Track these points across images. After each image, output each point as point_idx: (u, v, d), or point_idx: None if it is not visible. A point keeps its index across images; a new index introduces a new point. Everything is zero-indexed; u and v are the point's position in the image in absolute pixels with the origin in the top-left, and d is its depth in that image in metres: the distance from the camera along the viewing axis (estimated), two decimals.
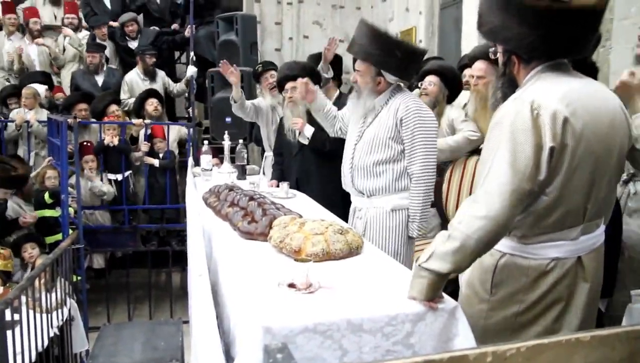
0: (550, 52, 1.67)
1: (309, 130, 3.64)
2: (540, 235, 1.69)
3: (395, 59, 2.64)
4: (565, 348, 1.00)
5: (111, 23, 6.76)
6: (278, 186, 3.49)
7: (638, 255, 2.66)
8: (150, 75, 6.30)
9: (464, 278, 1.93)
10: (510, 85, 1.77)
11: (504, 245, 1.72)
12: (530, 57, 1.70)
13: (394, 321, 1.52)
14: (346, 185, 2.93)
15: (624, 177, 2.66)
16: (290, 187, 3.42)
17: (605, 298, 2.55)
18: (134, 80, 6.30)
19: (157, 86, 6.32)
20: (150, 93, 5.97)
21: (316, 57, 4.31)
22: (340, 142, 3.08)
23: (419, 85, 3.64)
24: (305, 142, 3.68)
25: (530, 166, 1.53)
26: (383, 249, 2.76)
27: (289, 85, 3.72)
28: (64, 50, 6.65)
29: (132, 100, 6.16)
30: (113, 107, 5.82)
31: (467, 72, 3.56)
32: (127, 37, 6.73)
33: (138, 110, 5.97)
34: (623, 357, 1.03)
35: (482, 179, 1.60)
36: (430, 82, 3.59)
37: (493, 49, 1.83)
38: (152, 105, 5.90)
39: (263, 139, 4.59)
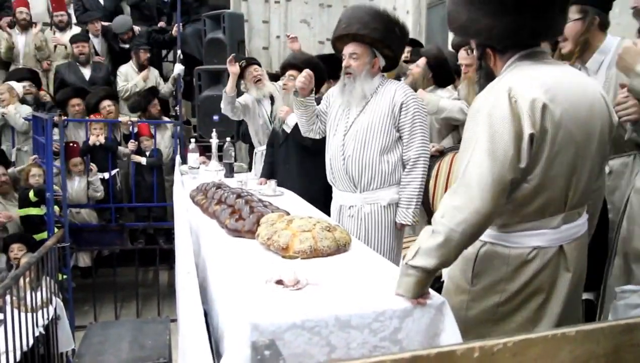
0: (520, 39, 1.67)
1: (292, 120, 3.56)
2: (521, 224, 1.68)
3: (394, 36, 2.68)
4: (551, 343, 1.01)
5: (104, 23, 6.75)
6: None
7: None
8: (143, 70, 6.33)
9: (445, 270, 1.92)
10: (487, 78, 1.77)
11: (485, 234, 1.69)
12: (504, 47, 1.71)
13: (381, 317, 1.52)
14: (336, 180, 2.86)
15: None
16: (278, 182, 3.40)
17: (593, 291, 2.56)
18: (129, 72, 6.35)
19: (150, 82, 6.37)
20: (152, 95, 6.03)
21: (326, 58, 4.26)
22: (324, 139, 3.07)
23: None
24: (288, 130, 3.65)
25: (510, 155, 1.52)
26: (381, 246, 2.77)
27: (289, 72, 3.71)
28: (55, 48, 6.58)
29: (131, 83, 6.22)
30: (106, 102, 5.82)
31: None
32: (120, 40, 6.76)
33: (144, 109, 6.02)
34: (608, 351, 1.05)
35: (461, 169, 1.58)
36: (417, 64, 3.64)
37: (468, 46, 1.85)
38: (155, 106, 5.96)
39: (252, 135, 4.55)
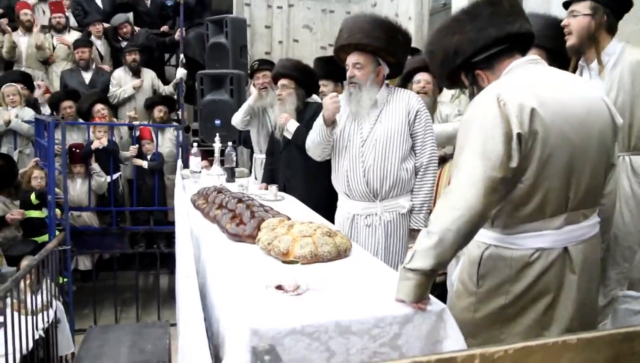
0: (492, 43, 1.74)
1: (293, 125, 3.56)
2: (521, 225, 1.70)
3: (398, 43, 2.69)
4: (552, 350, 1.01)
5: (105, 25, 6.76)
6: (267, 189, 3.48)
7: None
8: (134, 71, 6.33)
9: (455, 274, 1.94)
10: None
11: (489, 237, 1.74)
12: (489, 64, 1.77)
13: (381, 323, 1.52)
14: (352, 190, 2.80)
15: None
16: (279, 188, 3.41)
17: None
18: (122, 76, 6.36)
19: (145, 83, 6.38)
20: (156, 101, 6.06)
21: (325, 60, 4.27)
22: None
23: (410, 82, 3.66)
24: (289, 136, 3.65)
25: (500, 154, 1.55)
26: (400, 253, 2.79)
27: (280, 82, 3.71)
28: (54, 48, 6.59)
29: (121, 89, 6.24)
30: (98, 106, 5.80)
31: None
32: (120, 38, 6.77)
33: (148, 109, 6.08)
34: (608, 359, 1.04)
35: (455, 170, 1.63)
36: (428, 80, 3.59)
37: (456, 91, 1.91)
38: (160, 111, 5.98)
39: (253, 141, 4.57)
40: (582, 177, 1.69)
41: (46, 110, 6.01)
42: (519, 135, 1.56)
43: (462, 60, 1.77)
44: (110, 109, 6.04)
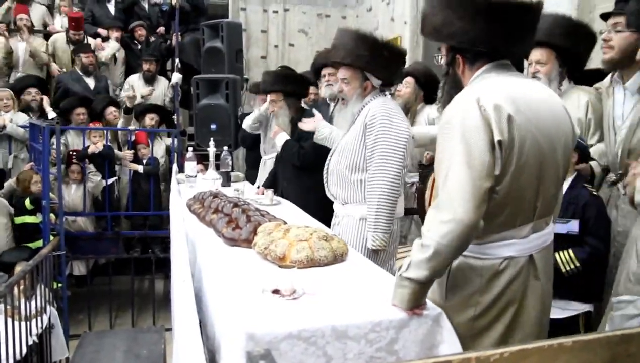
0: (492, 48, 1.70)
1: (280, 140, 3.61)
2: (492, 234, 1.68)
3: (382, 59, 2.66)
4: (548, 353, 1.01)
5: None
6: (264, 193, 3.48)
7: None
8: (149, 80, 6.47)
9: None
10: (454, 86, 1.79)
11: None
12: (474, 55, 1.73)
13: (378, 327, 1.52)
14: (326, 191, 2.91)
15: (612, 178, 2.60)
16: (277, 194, 3.42)
17: (593, 303, 2.56)
18: (135, 82, 6.49)
19: (158, 91, 6.50)
20: (148, 108, 6.06)
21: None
22: (316, 155, 3.08)
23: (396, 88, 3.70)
24: (278, 150, 3.68)
25: (486, 162, 1.53)
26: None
27: (270, 98, 3.75)
28: (54, 50, 6.58)
29: (129, 96, 6.18)
30: (111, 109, 5.92)
31: None
32: (135, 42, 6.93)
33: (137, 119, 6.06)
34: (604, 361, 1.05)
35: (441, 182, 1.59)
36: (406, 83, 3.64)
37: (438, 54, 1.88)
38: (152, 119, 5.99)
39: (261, 144, 4.56)
40: (548, 185, 1.69)
41: (51, 115, 5.98)
42: (500, 142, 1.54)
43: (453, 41, 1.75)
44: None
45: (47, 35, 6.83)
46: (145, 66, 6.46)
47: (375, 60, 2.66)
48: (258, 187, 4.15)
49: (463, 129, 1.56)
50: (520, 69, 1.91)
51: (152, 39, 7.04)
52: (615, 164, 2.52)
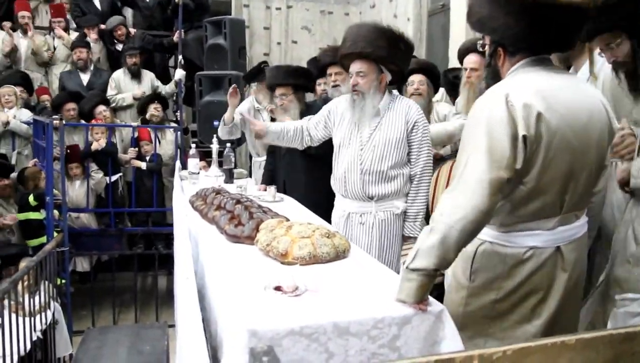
0: (534, 45, 1.71)
1: None
2: (518, 224, 1.72)
3: (400, 52, 2.72)
4: (551, 351, 1.01)
5: (101, 26, 6.74)
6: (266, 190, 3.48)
7: None
8: (134, 74, 6.32)
9: (449, 270, 1.93)
10: (494, 77, 1.81)
11: (484, 233, 1.74)
12: (515, 49, 1.74)
13: (380, 324, 1.52)
14: (348, 190, 2.85)
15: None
16: (278, 189, 3.40)
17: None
18: (121, 78, 6.34)
19: (144, 86, 6.35)
20: (153, 97, 6.01)
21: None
22: (326, 146, 3.07)
23: (406, 84, 3.68)
24: None
25: (507, 155, 1.56)
26: (390, 252, 2.86)
27: (279, 92, 3.74)
28: (55, 49, 6.59)
29: (120, 96, 6.21)
30: (100, 108, 5.83)
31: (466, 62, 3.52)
32: (115, 40, 6.76)
33: (141, 112, 6.03)
34: (607, 359, 1.04)
35: (460, 168, 1.62)
36: (421, 81, 3.62)
37: (481, 41, 1.86)
38: (156, 109, 5.91)
39: (249, 145, 4.54)
40: (579, 181, 1.70)
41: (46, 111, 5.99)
42: (524, 137, 1.57)
43: (496, 36, 1.75)
44: (112, 110, 6.05)
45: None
46: (130, 61, 6.23)
47: (393, 53, 2.70)
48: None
49: (489, 120, 1.60)
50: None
51: (133, 31, 6.85)
52: None
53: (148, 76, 6.45)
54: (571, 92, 1.68)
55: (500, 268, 1.75)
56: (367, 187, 2.80)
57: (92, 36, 6.59)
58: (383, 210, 2.81)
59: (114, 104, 6.20)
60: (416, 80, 3.62)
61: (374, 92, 2.77)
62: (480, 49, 1.90)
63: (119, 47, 6.69)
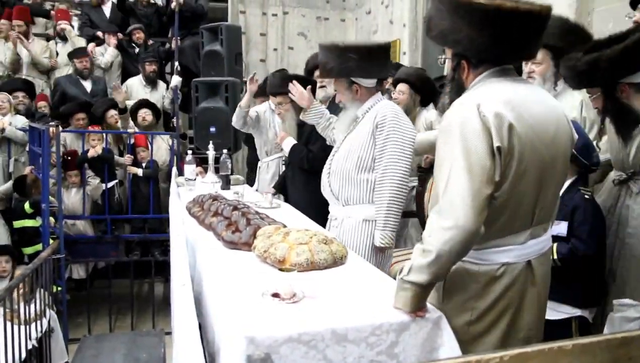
0: (498, 55, 1.69)
1: (287, 144, 3.63)
2: (489, 241, 1.68)
3: (353, 62, 2.71)
4: (548, 356, 1.01)
5: (119, 35, 6.84)
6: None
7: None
8: (151, 82, 6.42)
9: None
10: (458, 91, 1.78)
11: None
12: (479, 60, 1.72)
13: (378, 331, 1.52)
14: (324, 190, 2.92)
15: (623, 176, 2.52)
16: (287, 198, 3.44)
17: (593, 308, 2.54)
18: (135, 85, 6.43)
19: (158, 95, 6.43)
20: (143, 103, 6.01)
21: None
22: (325, 158, 3.08)
23: (391, 94, 3.74)
24: (286, 155, 3.69)
25: (486, 169, 1.53)
26: (369, 260, 2.76)
27: (277, 100, 3.76)
28: (57, 54, 6.59)
29: (129, 103, 6.22)
30: (112, 112, 5.91)
31: None
32: (134, 45, 6.88)
33: (133, 118, 6.04)
34: None
35: (442, 187, 1.58)
36: (400, 91, 3.72)
37: (442, 56, 1.86)
38: (141, 115, 5.92)
39: (258, 146, 4.50)
40: (548, 192, 1.70)
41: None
42: (499, 148, 1.54)
43: (459, 48, 1.73)
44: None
45: (48, 39, 6.85)
46: (148, 68, 6.36)
47: (346, 66, 2.71)
48: (256, 190, 4.15)
49: (463, 134, 1.56)
50: (519, 70, 1.91)
51: (150, 42, 6.98)
52: (626, 163, 2.48)
53: (162, 86, 6.54)
54: (537, 103, 1.68)
55: (474, 287, 1.70)
56: (334, 190, 2.82)
57: (111, 42, 6.66)
58: (350, 216, 2.78)
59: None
60: (398, 90, 3.75)
61: (350, 103, 2.83)
62: (440, 64, 1.89)
63: (137, 49, 6.83)
